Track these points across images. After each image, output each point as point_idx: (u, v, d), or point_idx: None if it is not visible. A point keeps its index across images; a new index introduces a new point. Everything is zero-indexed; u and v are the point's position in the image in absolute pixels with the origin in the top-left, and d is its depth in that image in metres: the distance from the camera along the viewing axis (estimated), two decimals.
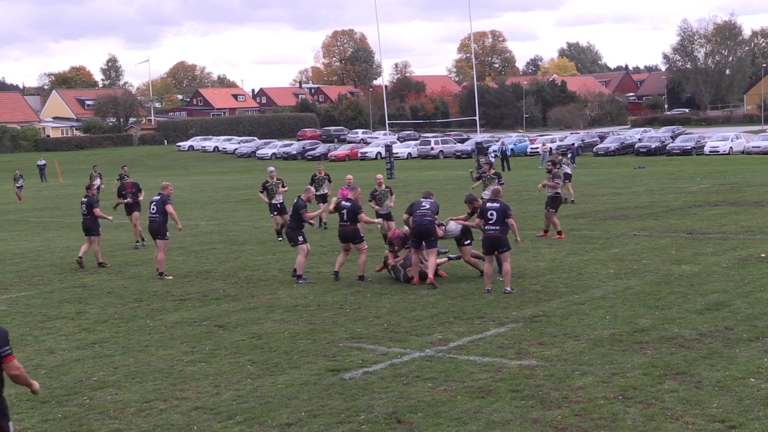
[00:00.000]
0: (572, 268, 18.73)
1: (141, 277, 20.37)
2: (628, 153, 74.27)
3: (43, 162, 72.64)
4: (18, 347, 13.95)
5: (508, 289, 16.30)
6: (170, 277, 19.97)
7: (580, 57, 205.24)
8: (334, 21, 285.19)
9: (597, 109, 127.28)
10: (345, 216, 18.74)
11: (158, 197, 20.48)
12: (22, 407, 10.77)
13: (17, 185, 52.33)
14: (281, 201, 26.58)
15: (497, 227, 16.36)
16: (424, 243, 17.80)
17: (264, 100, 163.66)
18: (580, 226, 25.96)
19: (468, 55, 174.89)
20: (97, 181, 46.21)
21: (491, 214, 16.36)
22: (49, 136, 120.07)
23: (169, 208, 20.28)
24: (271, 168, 28.21)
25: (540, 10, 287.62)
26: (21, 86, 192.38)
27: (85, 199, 22.49)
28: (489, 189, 22.70)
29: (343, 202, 19.01)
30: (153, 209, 20.34)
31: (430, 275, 17.42)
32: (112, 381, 11.73)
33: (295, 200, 19.04)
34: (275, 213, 26.52)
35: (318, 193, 27.80)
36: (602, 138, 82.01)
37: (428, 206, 18.14)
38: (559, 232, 23.64)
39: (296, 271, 18.81)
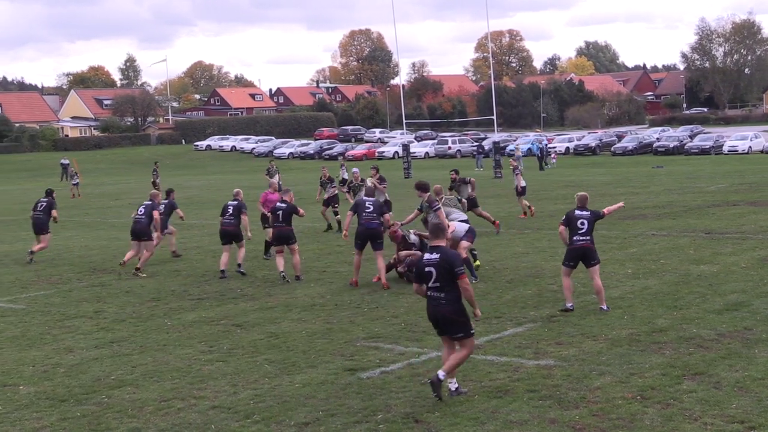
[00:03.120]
0: None
1: (159, 277, 20.44)
2: (646, 152, 73.96)
3: (66, 161, 72.88)
4: (37, 345, 14.04)
5: (605, 307, 14.51)
6: (144, 275, 20.48)
7: (598, 56, 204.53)
8: (346, 21, 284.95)
9: (615, 109, 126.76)
10: (281, 217, 19.05)
11: (149, 202, 21.41)
12: (40, 405, 10.84)
13: (73, 182, 52.80)
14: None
15: (588, 237, 14.69)
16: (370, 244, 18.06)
17: (281, 100, 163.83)
18: (598, 226, 25.74)
19: (485, 54, 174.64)
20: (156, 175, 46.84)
21: (582, 223, 14.65)
22: (67, 135, 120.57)
23: (155, 214, 21.22)
24: (356, 169, 29.06)
25: (552, 10, 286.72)
26: (40, 86, 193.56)
27: (148, 203, 21.52)
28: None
29: (279, 204, 19.34)
30: (141, 211, 21.31)
31: (383, 278, 17.76)
32: (130, 380, 11.77)
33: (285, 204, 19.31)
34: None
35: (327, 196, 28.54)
36: (620, 137, 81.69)
37: (372, 208, 18.30)
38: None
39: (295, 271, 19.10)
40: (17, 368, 12.71)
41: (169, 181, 59.99)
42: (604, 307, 14.50)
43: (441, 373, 10.14)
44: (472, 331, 10.46)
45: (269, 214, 19.95)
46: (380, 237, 18.26)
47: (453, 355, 10.34)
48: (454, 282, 10.23)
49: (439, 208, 17.97)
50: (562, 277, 14.96)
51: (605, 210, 15.46)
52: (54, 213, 24.11)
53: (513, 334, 13.19)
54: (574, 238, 14.66)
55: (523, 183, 30.01)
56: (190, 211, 22.14)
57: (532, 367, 11.34)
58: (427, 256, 10.47)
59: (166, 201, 23.30)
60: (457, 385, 10.37)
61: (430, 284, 10.33)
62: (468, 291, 10.30)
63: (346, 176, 46.84)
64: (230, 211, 20.22)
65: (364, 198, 18.78)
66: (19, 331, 15.25)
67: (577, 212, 14.81)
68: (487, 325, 13.85)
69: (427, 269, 10.35)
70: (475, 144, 78.83)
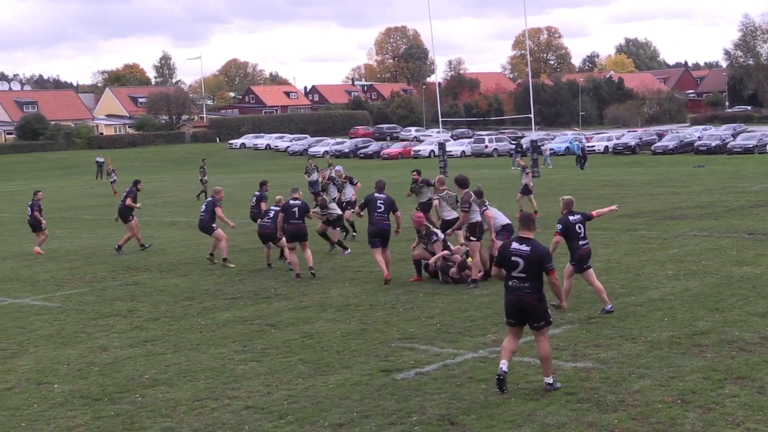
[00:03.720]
0: (629, 269, 18.53)
1: (193, 275, 20.56)
2: (688, 151, 73.30)
3: (101, 159, 73.53)
4: (71, 344, 14.17)
5: (608, 307, 14.53)
6: (232, 265, 21.35)
7: (638, 53, 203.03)
8: (380, 18, 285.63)
9: (655, 107, 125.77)
10: (297, 214, 19.49)
11: (210, 199, 22.29)
12: (75, 404, 10.94)
13: (111, 180, 53.45)
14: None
15: (587, 240, 14.70)
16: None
17: (316, 98, 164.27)
18: (638, 226, 25.68)
19: (523, 51, 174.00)
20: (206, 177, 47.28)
21: (579, 228, 14.52)
22: (102, 133, 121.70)
23: (218, 210, 21.91)
24: (339, 167, 28.49)
25: (591, 6, 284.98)
26: (75, 84, 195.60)
27: (210, 200, 22.31)
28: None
29: (292, 201, 19.69)
30: (203, 208, 22.27)
31: (387, 269, 18.11)
32: (163, 379, 11.85)
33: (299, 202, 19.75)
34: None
35: (345, 200, 26.02)
36: (660, 136, 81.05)
37: (383, 208, 18.54)
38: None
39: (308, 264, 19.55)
40: (52, 366, 12.84)
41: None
42: (609, 308, 14.49)
43: (548, 380, 10.46)
44: (551, 320, 10.74)
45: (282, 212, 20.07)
46: (389, 236, 18.60)
47: (542, 355, 10.55)
48: (540, 274, 10.50)
49: (487, 208, 18.10)
50: (565, 279, 14.78)
51: (594, 212, 15.50)
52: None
53: (550, 336, 13.03)
54: (579, 243, 14.58)
55: (530, 182, 30.68)
56: (224, 210, 22.37)
57: (570, 370, 11.28)
58: (515, 245, 10.60)
59: (258, 193, 23.88)
60: (550, 381, 10.50)
61: (514, 273, 10.53)
62: (557, 286, 10.92)
63: (334, 175, 46.47)
64: (271, 214, 20.80)
65: (376, 196, 18.88)
66: (54, 329, 15.41)
67: (571, 218, 14.64)
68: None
69: (513, 258, 10.53)
70: (513, 143, 78.58)
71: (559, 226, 14.55)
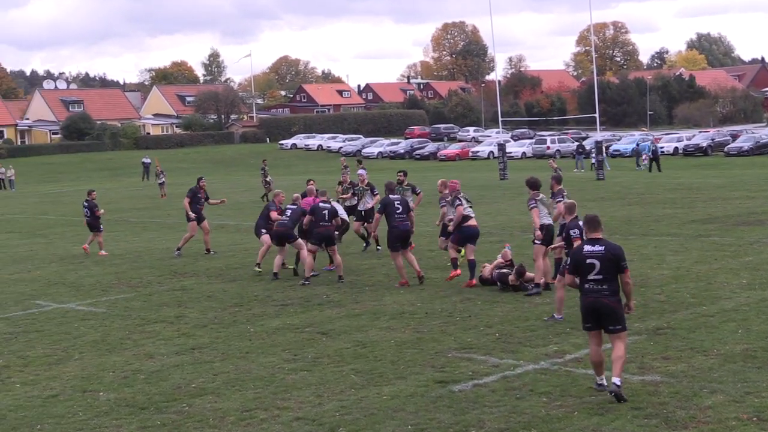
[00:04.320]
0: (700, 277, 18.31)
1: (242, 281, 20.70)
2: (764, 153, 72.20)
3: (148, 160, 74.27)
4: (117, 351, 14.36)
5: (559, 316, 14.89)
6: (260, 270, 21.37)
7: (711, 49, 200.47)
8: (436, 13, 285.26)
9: (729, 106, 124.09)
10: (327, 217, 19.73)
11: (294, 206, 20.71)
12: (120, 413, 11.08)
13: (159, 181, 54.04)
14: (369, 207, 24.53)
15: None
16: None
17: (370, 96, 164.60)
18: (710, 232, 25.36)
19: (587, 48, 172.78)
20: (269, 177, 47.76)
21: (575, 233, 14.42)
22: (149, 133, 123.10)
23: (306, 220, 20.21)
24: (362, 170, 28.11)
25: (659, 0, 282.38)
26: (122, 82, 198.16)
27: (293, 206, 20.89)
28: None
29: (322, 203, 20.02)
30: (287, 213, 20.70)
31: (418, 269, 18.85)
32: (211, 388, 11.95)
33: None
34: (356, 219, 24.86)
35: (362, 208, 24.74)
36: (734, 137, 79.91)
37: (401, 209, 18.87)
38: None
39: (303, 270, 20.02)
40: (97, 374, 13.01)
41: (254, 181, 60.70)
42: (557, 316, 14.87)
43: (617, 380, 10.45)
44: (626, 324, 10.97)
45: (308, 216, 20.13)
46: (410, 237, 19.04)
47: (617, 355, 10.64)
48: (616, 274, 10.77)
49: (461, 203, 18.51)
50: (560, 288, 14.77)
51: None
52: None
53: None
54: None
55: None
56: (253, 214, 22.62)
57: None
58: (588, 248, 10.88)
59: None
60: (618, 383, 10.50)
61: (590, 276, 10.78)
62: (630, 285, 10.98)
63: (357, 180, 46.43)
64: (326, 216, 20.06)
65: (392, 198, 19.08)
66: (100, 335, 15.62)
67: (572, 224, 14.63)
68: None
69: (589, 261, 10.79)
70: (575, 143, 78.00)
71: (576, 232, 14.39)
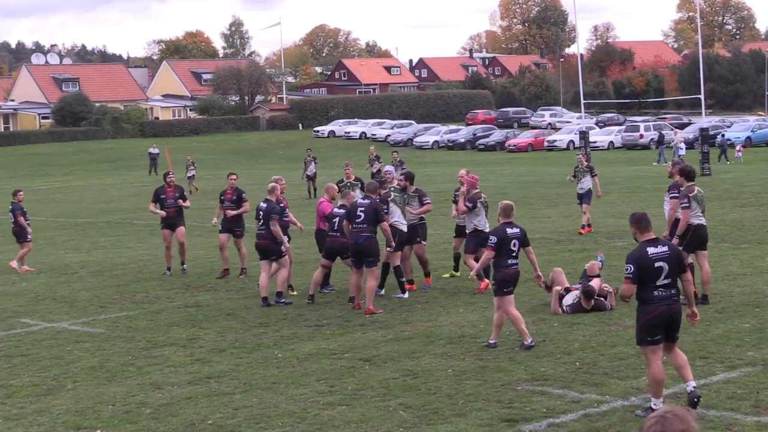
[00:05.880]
0: None
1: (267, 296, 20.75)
2: None
3: (155, 150, 74.73)
4: (118, 380, 14.48)
5: (528, 341, 15.26)
6: (295, 293, 20.82)
7: None
8: None
9: None
10: (362, 219, 18.67)
11: (264, 204, 20.29)
12: None
13: (188, 175, 54.56)
14: None
15: (517, 261, 15.39)
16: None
17: (424, 74, 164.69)
18: None
19: (691, 14, 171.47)
20: (312, 167, 47.79)
21: (514, 245, 15.16)
22: (157, 118, 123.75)
23: (273, 224, 19.91)
24: (389, 167, 26.43)
25: None
26: (125, 57, 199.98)
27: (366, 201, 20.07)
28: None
29: (336, 210, 19.49)
30: (260, 222, 20.18)
31: (369, 304, 18.23)
32: (231, 425, 12.01)
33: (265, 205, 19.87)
34: None
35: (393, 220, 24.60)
36: None
37: (363, 216, 18.39)
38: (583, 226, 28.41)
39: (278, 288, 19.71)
40: (94, 407, 13.12)
41: (283, 175, 60.87)
42: (527, 342, 15.16)
43: (692, 384, 11.56)
44: None
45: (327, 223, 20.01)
46: (373, 254, 18.40)
47: (683, 361, 11.81)
48: (677, 277, 11.60)
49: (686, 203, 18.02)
50: (509, 308, 15.19)
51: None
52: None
53: (724, 381, 12.91)
54: (509, 261, 15.16)
55: (588, 186, 29.08)
56: (305, 216, 22.33)
57: (751, 425, 11.09)
58: (651, 249, 11.52)
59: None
60: (695, 385, 11.63)
61: (659, 282, 11.46)
62: (692, 284, 11.95)
63: (312, 170, 46.69)
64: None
65: (358, 202, 18.84)
66: (97, 361, 15.75)
67: (510, 230, 15.29)
68: (690, 367, 13.57)
69: (657, 265, 11.45)
70: (659, 132, 77.06)
71: (493, 239, 15.09)
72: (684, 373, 11.64)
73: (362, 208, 18.64)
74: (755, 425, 11.10)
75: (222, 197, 23.70)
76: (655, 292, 11.34)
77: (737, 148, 63.88)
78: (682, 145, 58.45)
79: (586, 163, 29.95)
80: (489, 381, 13.43)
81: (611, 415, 11.66)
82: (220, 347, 16.28)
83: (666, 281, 11.38)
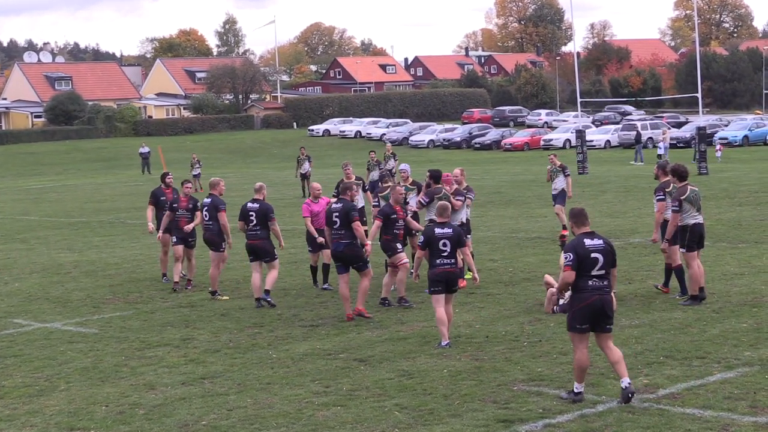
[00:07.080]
0: None
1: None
2: None
3: (146, 149, 74.72)
4: (111, 380, 14.48)
5: (444, 342, 15.49)
6: (225, 298, 20.62)
7: None
8: None
9: None
10: (339, 225, 18.14)
11: (209, 200, 20.82)
12: None
13: (193, 173, 54.75)
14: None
15: (453, 260, 15.57)
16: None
17: (420, 72, 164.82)
18: None
19: (688, 12, 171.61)
20: (306, 166, 47.85)
21: (444, 244, 15.40)
22: (150, 116, 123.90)
23: (222, 216, 20.61)
24: (405, 165, 25.78)
25: None
26: (118, 55, 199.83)
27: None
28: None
29: (334, 205, 18.40)
30: (206, 216, 20.84)
31: (359, 304, 18.12)
32: (225, 426, 12.01)
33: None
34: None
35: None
36: None
37: (339, 222, 17.87)
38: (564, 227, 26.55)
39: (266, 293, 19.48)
40: (87, 408, 13.12)
41: (277, 174, 61.00)
42: (444, 343, 15.44)
43: (626, 380, 12.05)
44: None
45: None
46: (356, 259, 17.95)
47: (620, 359, 12.26)
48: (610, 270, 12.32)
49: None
50: (436, 307, 15.58)
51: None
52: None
53: (721, 381, 12.92)
54: (437, 261, 15.50)
55: (561, 186, 28.38)
56: (298, 215, 22.18)
57: (747, 425, 11.10)
58: (588, 241, 12.30)
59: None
60: (629, 381, 12.05)
61: (593, 272, 12.17)
62: (615, 278, 12.64)
63: (306, 169, 46.83)
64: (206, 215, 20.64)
65: (333, 206, 18.33)
66: (90, 361, 15.75)
67: (437, 230, 15.59)
68: (686, 367, 13.61)
69: (593, 255, 12.19)
70: (630, 131, 76.89)
71: (421, 238, 15.87)
72: (619, 369, 12.10)
73: (336, 213, 17.98)
74: (752, 425, 11.11)
75: (175, 204, 22.46)
76: (590, 282, 12.05)
77: (717, 147, 63.80)
78: (661, 145, 58.85)
79: (558, 163, 28.86)
80: (485, 381, 13.44)
81: (607, 416, 11.67)
82: (214, 348, 16.29)
83: (600, 272, 12.08)
